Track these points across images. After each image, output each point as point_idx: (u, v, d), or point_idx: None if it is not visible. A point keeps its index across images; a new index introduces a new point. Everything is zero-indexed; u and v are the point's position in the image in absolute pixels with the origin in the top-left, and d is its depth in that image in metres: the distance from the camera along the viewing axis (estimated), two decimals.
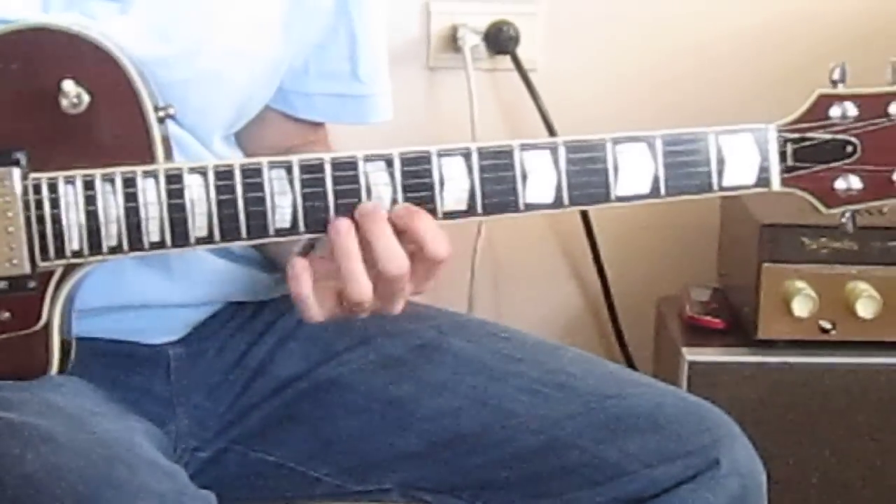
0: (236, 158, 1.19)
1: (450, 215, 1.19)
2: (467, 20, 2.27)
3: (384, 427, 1.37)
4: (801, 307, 1.91)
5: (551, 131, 2.22)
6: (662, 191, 1.20)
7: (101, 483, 1.05)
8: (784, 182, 1.22)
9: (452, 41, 2.28)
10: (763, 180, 1.22)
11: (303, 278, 1.19)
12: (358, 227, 1.17)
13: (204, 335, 1.42)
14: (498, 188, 1.18)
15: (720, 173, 1.21)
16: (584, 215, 2.24)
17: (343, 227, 1.17)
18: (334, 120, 1.52)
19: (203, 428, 1.40)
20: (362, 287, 1.18)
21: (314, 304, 1.20)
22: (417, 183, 1.18)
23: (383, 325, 1.42)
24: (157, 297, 1.35)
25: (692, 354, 1.95)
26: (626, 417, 1.32)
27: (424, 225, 1.17)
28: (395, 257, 1.17)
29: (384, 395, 1.38)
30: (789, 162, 1.22)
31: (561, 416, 1.33)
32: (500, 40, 2.26)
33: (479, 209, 1.19)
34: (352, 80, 1.47)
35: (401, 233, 1.18)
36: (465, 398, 1.36)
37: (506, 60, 2.27)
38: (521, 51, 2.26)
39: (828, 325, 1.93)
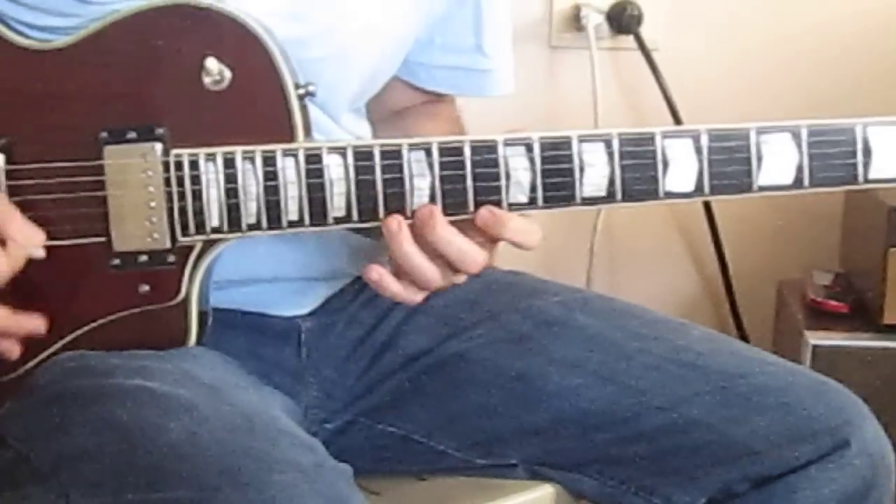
0: (376, 139, 1.19)
1: (588, 201, 1.18)
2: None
3: (510, 402, 1.38)
4: None
5: (673, 111, 2.22)
6: (806, 182, 1.18)
7: (242, 454, 1.06)
8: None
9: (575, 20, 2.28)
10: None
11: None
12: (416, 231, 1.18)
13: (334, 308, 1.44)
14: (638, 175, 1.17)
15: (866, 165, 1.18)
16: None
17: (394, 228, 1.18)
18: (456, 92, 1.54)
19: (331, 400, 1.42)
20: (430, 279, 1.19)
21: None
22: (557, 168, 1.17)
23: (511, 300, 1.44)
24: (288, 270, 1.37)
25: (816, 338, 1.94)
26: (755, 396, 1.32)
27: (512, 227, 1.18)
28: (469, 258, 1.19)
29: (511, 370, 1.38)
30: None
31: (689, 394, 1.33)
32: (622, 19, 2.26)
33: (619, 196, 1.18)
34: (475, 53, 1.48)
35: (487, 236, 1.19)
36: (592, 375, 1.36)
37: (628, 40, 2.28)
38: (644, 30, 2.27)
39: None
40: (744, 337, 2.32)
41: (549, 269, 1.55)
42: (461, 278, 1.22)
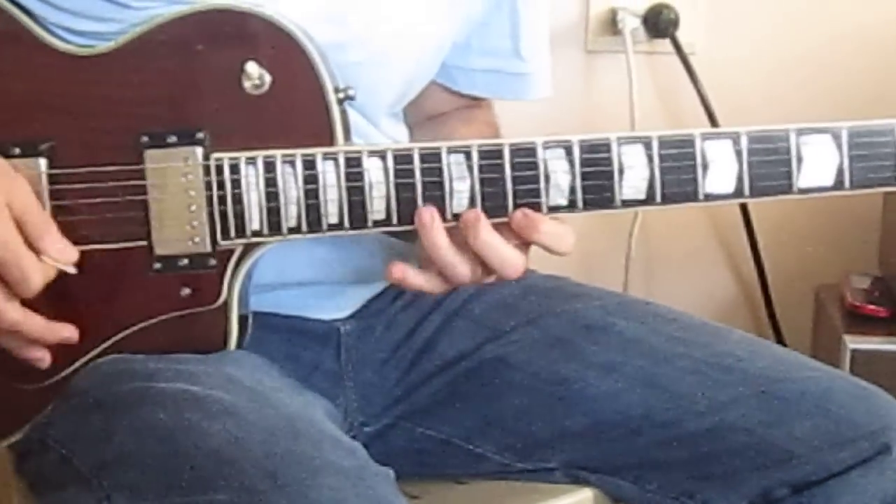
0: (415, 143, 1.19)
1: (628, 204, 1.18)
2: (626, 3, 2.27)
3: (550, 406, 1.38)
4: None
5: (711, 115, 2.21)
6: (847, 184, 1.18)
7: (286, 458, 1.06)
8: None
9: (611, 24, 2.28)
10: None
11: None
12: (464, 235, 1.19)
13: (373, 312, 1.44)
14: (678, 178, 1.17)
15: None
16: None
17: (426, 219, 1.18)
18: (493, 95, 1.54)
19: (370, 403, 1.43)
20: (459, 275, 1.20)
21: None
22: (596, 171, 1.17)
23: (550, 305, 1.43)
24: (327, 273, 1.37)
25: (855, 343, 1.94)
26: (795, 401, 1.31)
27: (545, 231, 1.18)
28: (509, 265, 1.19)
29: (550, 374, 1.38)
30: None
31: (728, 399, 1.33)
32: (659, 23, 2.25)
33: (658, 198, 1.18)
34: (513, 57, 1.48)
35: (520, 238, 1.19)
36: (632, 379, 1.36)
37: (665, 44, 2.27)
38: (681, 34, 2.26)
39: None
40: (781, 341, 2.31)
41: (586, 273, 1.55)
42: (492, 279, 1.22)
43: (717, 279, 2.40)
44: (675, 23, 2.25)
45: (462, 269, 1.19)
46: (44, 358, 1.22)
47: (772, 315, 2.34)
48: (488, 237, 1.17)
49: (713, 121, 2.21)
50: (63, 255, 1.18)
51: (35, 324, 1.19)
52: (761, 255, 2.31)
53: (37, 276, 1.16)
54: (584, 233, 2.18)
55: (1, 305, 1.16)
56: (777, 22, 2.30)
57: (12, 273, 1.15)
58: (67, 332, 1.22)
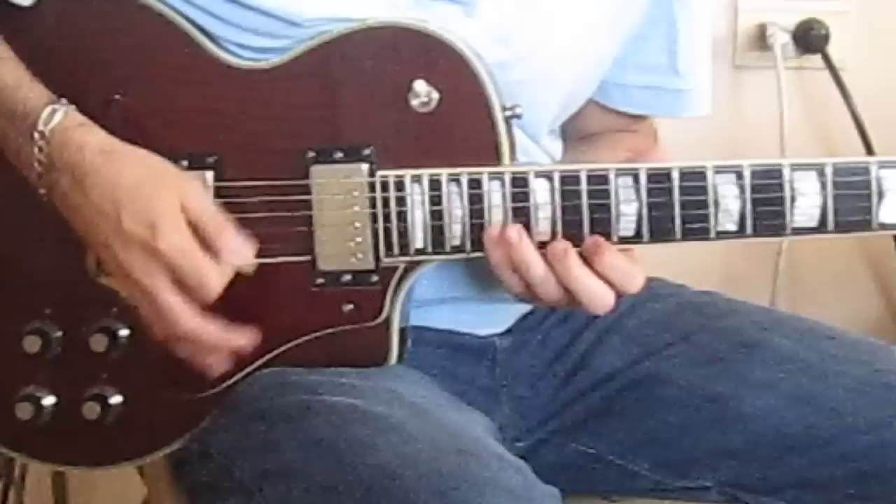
0: (583, 164, 1.19)
1: (799, 231, 1.17)
2: (776, 18, 2.24)
3: (705, 423, 1.37)
4: None
5: (863, 132, 2.18)
6: None
7: (454, 476, 1.06)
8: None
9: (760, 40, 2.25)
10: None
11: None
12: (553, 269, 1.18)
13: (527, 327, 1.44)
14: (852, 206, 1.16)
15: None
16: None
17: (514, 237, 1.18)
18: (649, 112, 1.53)
19: (524, 418, 1.43)
20: (550, 293, 1.19)
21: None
22: (767, 198, 1.16)
23: (704, 321, 1.43)
24: (482, 290, 1.37)
25: None
26: None
27: (606, 262, 1.18)
28: (596, 297, 1.19)
29: (706, 391, 1.37)
30: None
31: (889, 417, 1.31)
32: (809, 39, 2.23)
33: (831, 226, 1.17)
34: (669, 73, 1.47)
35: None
36: (789, 397, 1.34)
37: (815, 59, 2.23)
38: (832, 49, 2.22)
39: None
40: None
41: (731, 290, 1.53)
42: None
43: (866, 298, 2.37)
44: (825, 38, 2.22)
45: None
46: (218, 366, 1.24)
47: None
48: (579, 272, 1.18)
49: (865, 138, 2.18)
50: (240, 255, 1.19)
51: (211, 331, 1.21)
52: None
53: (216, 280, 1.17)
54: (730, 249, 2.17)
55: (179, 313, 1.18)
56: None
57: (190, 280, 1.16)
58: (244, 339, 1.23)
